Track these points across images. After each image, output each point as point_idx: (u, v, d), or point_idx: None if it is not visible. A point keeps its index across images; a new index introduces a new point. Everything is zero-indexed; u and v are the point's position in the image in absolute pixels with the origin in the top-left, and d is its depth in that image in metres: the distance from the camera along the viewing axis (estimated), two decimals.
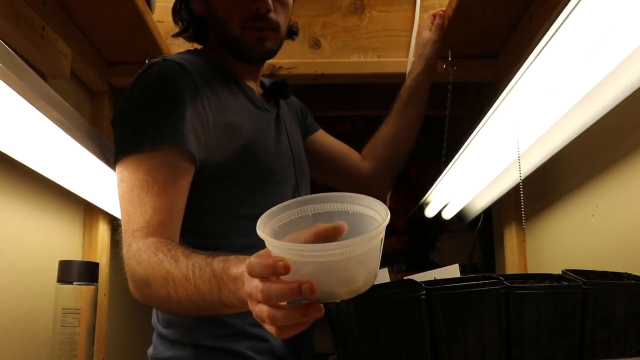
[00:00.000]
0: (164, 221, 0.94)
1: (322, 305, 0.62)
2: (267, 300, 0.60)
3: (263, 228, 0.64)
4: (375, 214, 0.65)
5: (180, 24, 1.22)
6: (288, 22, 1.19)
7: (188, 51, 1.16)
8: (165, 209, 0.95)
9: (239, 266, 0.72)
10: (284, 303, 0.61)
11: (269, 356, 1.04)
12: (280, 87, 1.23)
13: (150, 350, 1.08)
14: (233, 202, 1.06)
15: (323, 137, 1.41)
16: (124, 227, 0.96)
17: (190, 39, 1.22)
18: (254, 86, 1.19)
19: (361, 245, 0.59)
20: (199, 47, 1.23)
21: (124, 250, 0.93)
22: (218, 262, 0.75)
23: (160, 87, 1.01)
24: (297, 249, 0.59)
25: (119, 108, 1.06)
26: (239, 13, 1.10)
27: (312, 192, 1.07)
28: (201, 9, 1.17)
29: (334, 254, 0.58)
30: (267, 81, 1.27)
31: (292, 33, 1.27)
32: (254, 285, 0.61)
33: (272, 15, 1.11)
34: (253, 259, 0.61)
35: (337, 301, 0.64)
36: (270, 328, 0.62)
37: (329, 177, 1.43)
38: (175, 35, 1.24)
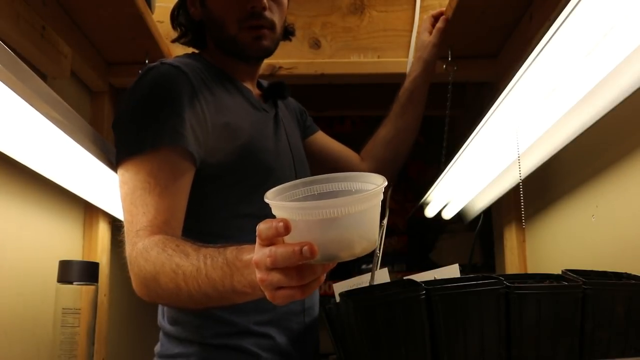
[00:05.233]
0: (167, 220, 0.96)
1: (319, 270, 0.65)
2: (274, 263, 0.62)
3: (271, 198, 0.66)
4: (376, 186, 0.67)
5: (179, 29, 1.24)
6: (284, 22, 1.21)
7: (186, 55, 1.18)
8: (168, 209, 0.97)
9: (251, 252, 0.73)
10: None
11: (273, 353, 1.05)
12: (278, 88, 1.25)
13: (157, 348, 1.10)
14: (233, 200, 1.07)
15: (322, 139, 1.41)
16: (126, 227, 0.97)
17: (189, 44, 1.24)
18: (251, 87, 1.21)
19: (358, 203, 0.61)
20: (197, 51, 1.24)
21: (129, 250, 0.94)
22: (231, 251, 0.77)
23: (157, 89, 1.03)
24: (297, 206, 0.63)
25: (119, 112, 1.07)
26: (235, 13, 1.12)
27: None
28: (198, 13, 1.19)
29: (332, 211, 0.60)
30: (264, 83, 1.28)
31: (288, 34, 1.28)
32: (262, 252, 0.64)
33: (267, 13, 1.13)
34: (261, 224, 0.64)
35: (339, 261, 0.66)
36: (268, 295, 0.66)
37: None
38: (174, 41, 1.27)
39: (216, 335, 1.03)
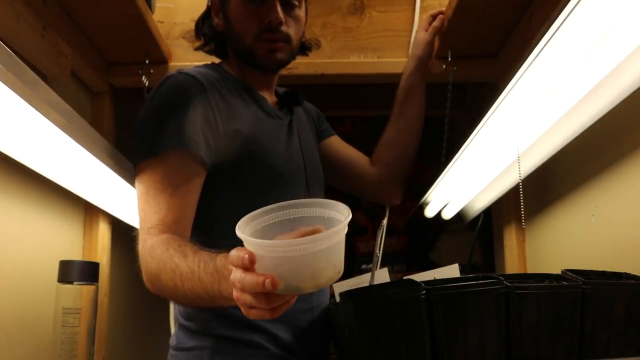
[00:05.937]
0: (177, 219, 1.02)
1: (287, 295, 0.69)
2: (243, 288, 0.68)
3: (243, 229, 0.71)
4: (343, 217, 0.71)
5: (202, 38, 1.30)
6: (300, 36, 1.25)
7: (205, 65, 1.24)
8: (178, 208, 1.03)
9: None
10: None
11: (278, 346, 1.10)
12: (293, 96, 1.30)
13: (172, 341, 1.15)
14: (243, 203, 1.08)
15: (336, 143, 1.44)
16: (140, 224, 1.04)
17: (211, 52, 1.30)
18: (267, 95, 1.26)
19: (320, 242, 0.65)
20: (217, 62, 1.29)
21: (140, 246, 1.01)
22: (220, 258, 0.82)
23: (172, 97, 1.10)
24: (264, 245, 0.67)
25: (138, 118, 1.13)
26: (253, 26, 1.18)
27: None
28: (221, 24, 1.24)
29: (295, 249, 0.64)
30: (281, 90, 1.33)
31: (305, 49, 1.33)
32: (235, 275, 0.69)
33: (283, 28, 1.18)
34: (233, 250, 0.69)
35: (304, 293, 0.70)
36: (243, 310, 0.72)
37: (341, 183, 1.46)
38: (197, 49, 1.32)
39: (227, 329, 1.09)
